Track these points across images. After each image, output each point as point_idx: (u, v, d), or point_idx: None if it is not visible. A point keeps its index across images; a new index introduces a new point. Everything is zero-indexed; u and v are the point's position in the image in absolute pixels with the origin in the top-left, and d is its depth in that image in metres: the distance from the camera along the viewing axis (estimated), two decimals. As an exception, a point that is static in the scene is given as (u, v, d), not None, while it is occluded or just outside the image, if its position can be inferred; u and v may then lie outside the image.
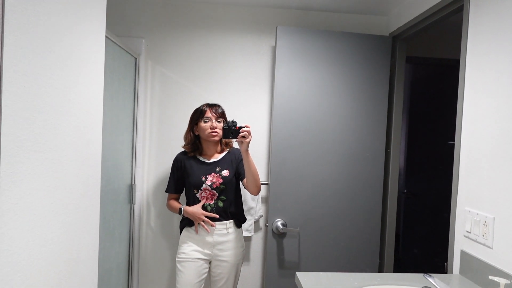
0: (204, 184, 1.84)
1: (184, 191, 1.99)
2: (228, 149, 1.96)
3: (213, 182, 1.84)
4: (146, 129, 2.28)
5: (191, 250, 1.84)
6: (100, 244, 1.62)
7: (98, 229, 1.40)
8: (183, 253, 1.85)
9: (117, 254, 2.01)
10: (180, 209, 1.88)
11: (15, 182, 0.86)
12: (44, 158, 0.99)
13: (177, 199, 2.02)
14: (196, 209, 1.82)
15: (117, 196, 1.99)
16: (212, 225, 1.82)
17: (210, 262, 1.90)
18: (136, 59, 2.19)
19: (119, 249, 2.04)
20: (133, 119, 2.20)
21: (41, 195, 0.98)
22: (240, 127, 1.70)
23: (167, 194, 2.02)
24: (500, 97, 1.28)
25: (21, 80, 0.87)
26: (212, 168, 1.87)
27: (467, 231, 1.42)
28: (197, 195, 1.86)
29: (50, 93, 1.01)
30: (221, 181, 1.85)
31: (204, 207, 1.84)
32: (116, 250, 2.00)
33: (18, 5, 0.86)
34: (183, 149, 1.98)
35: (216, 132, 1.84)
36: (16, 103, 0.86)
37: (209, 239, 1.84)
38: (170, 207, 1.98)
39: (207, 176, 1.85)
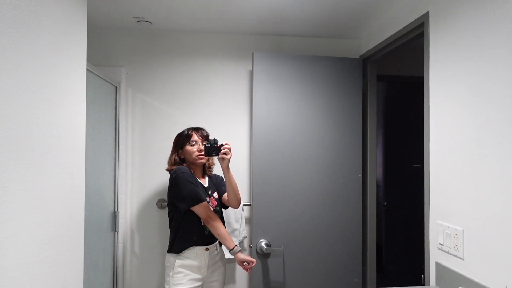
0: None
1: (177, 212, 1.84)
2: (210, 173, 2.02)
3: (211, 205, 1.89)
4: (128, 155, 2.30)
5: (187, 280, 1.80)
6: (84, 275, 1.62)
7: (83, 261, 1.41)
8: (181, 284, 1.79)
9: (101, 283, 1.99)
10: (235, 247, 1.82)
11: (2, 222, 0.89)
12: (30, 196, 1.01)
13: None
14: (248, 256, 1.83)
15: (101, 224, 1.99)
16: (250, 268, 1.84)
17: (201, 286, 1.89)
18: (116, 87, 2.23)
19: (103, 279, 2.02)
20: (115, 146, 2.22)
21: (28, 232, 1.00)
22: (221, 145, 1.79)
23: (171, 212, 1.89)
24: (462, 118, 1.39)
25: (7, 123, 0.90)
26: (207, 191, 1.93)
27: (440, 244, 1.50)
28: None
29: (35, 131, 1.04)
30: (216, 203, 1.93)
31: (203, 230, 1.85)
32: (100, 280, 1.98)
33: (3, 50, 0.90)
34: (167, 172, 1.94)
35: (203, 154, 1.89)
36: (3, 146, 0.89)
37: (204, 263, 1.85)
38: (222, 228, 1.82)
39: (207, 199, 1.89)
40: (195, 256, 1.83)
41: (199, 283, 1.84)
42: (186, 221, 1.83)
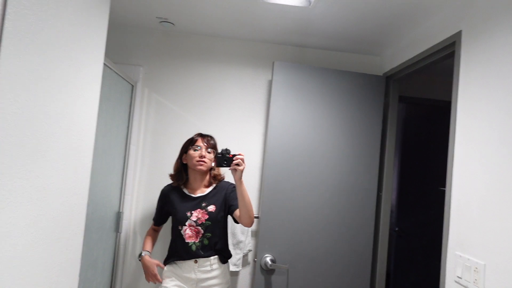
0: (189, 220, 1.78)
1: (170, 224, 1.92)
2: (216, 183, 1.91)
3: (198, 218, 1.78)
4: (138, 156, 2.26)
5: (172, 284, 1.77)
6: (81, 274, 1.56)
7: (80, 261, 1.35)
8: (165, 287, 1.78)
9: (98, 284, 1.93)
10: (141, 253, 1.89)
11: (-4, 210, 0.84)
12: (29, 186, 0.96)
13: (158, 231, 2.04)
14: (151, 265, 1.83)
15: (103, 223, 1.94)
16: (159, 281, 1.82)
17: None
18: (133, 86, 2.20)
19: (101, 280, 1.96)
20: (126, 145, 2.18)
21: (23, 225, 0.95)
22: (234, 155, 1.65)
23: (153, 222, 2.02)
24: (491, 143, 1.30)
25: (12, 106, 0.86)
26: (198, 203, 1.82)
27: (458, 277, 1.39)
28: (182, 231, 1.79)
29: (42, 120, 1.00)
30: (206, 217, 1.79)
31: (189, 246, 1.77)
32: (98, 281, 1.92)
33: (17, 33, 0.86)
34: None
35: (203, 161, 1.81)
36: (5, 129, 0.85)
37: (191, 275, 1.77)
38: (145, 238, 1.99)
39: (193, 212, 1.79)
40: (184, 266, 1.79)
41: None
42: (174, 237, 1.85)
